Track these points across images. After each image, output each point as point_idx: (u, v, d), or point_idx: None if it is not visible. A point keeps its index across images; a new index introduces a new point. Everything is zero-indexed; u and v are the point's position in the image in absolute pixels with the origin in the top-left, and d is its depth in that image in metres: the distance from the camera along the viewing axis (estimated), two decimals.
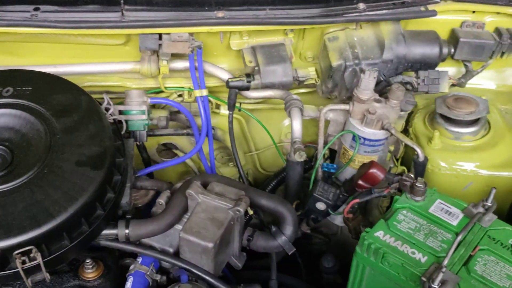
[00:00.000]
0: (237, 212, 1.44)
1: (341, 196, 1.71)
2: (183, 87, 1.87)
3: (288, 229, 1.55)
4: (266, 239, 1.56)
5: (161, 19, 1.67)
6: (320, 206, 1.72)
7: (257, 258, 1.84)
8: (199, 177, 1.56)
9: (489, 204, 1.55)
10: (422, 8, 1.81)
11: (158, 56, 1.77)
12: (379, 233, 1.51)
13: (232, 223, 1.46)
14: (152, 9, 1.69)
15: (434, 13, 1.79)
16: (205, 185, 1.53)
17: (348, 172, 1.83)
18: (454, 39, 1.92)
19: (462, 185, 1.82)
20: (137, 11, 1.68)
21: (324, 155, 2.00)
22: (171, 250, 1.50)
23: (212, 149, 1.92)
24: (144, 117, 1.71)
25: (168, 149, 2.11)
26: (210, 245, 1.39)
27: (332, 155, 1.99)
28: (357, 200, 1.61)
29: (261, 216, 1.88)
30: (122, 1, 1.66)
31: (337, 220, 2.00)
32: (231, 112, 1.84)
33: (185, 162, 2.06)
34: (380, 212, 2.03)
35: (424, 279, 1.40)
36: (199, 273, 1.43)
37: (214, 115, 1.99)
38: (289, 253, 1.56)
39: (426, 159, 1.76)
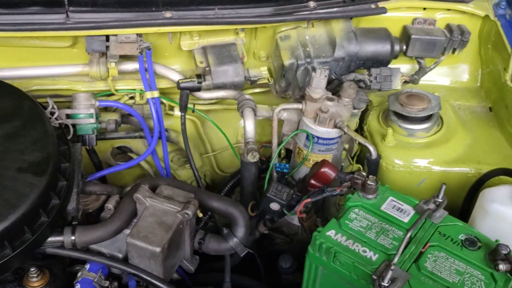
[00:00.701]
0: (186, 215, 1.42)
1: (294, 196, 1.70)
2: (134, 89, 1.84)
3: (240, 231, 1.53)
4: (218, 241, 1.55)
5: (107, 20, 1.64)
6: (274, 206, 1.70)
7: (218, 260, 1.83)
8: (147, 180, 1.53)
9: (440, 200, 1.55)
10: (373, 6, 1.81)
11: (106, 58, 1.74)
12: (331, 232, 1.50)
13: (181, 226, 1.44)
14: (98, 10, 1.66)
15: (384, 10, 1.79)
16: (154, 189, 1.50)
17: (303, 172, 1.82)
18: (406, 36, 1.92)
19: (416, 182, 1.83)
20: (82, 13, 1.64)
21: (280, 155, 2.00)
22: (120, 255, 1.47)
23: (166, 152, 1.89)
24: (93, 120, 1.68)
25: (123, 153, 2.08)
26: (158, 249, 1.36)
27: (289, 154, 1.98)
28: (309, 200, 1.60)
29: (216, 219, 1.86)
30: (66, 2, 1.63)
31: (295, 220, 1.99)
32: (183, 114, 1.82)
33: (141, 165, 2.04)
34: (338, 210, 2.02)
35: (374, 277, 1.39)
36: (148, 278, 1.40)
37: (168, 117, 1.96)
38: (241, 255, 1.54)
39: (379, 156, 1.76)
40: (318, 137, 1.76)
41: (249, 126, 1.78)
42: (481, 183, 1.73)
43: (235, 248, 1.53)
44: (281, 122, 1.88)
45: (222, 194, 1.99)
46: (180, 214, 1.43)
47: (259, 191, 1.90)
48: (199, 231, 1.55)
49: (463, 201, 1.80)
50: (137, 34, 1.69)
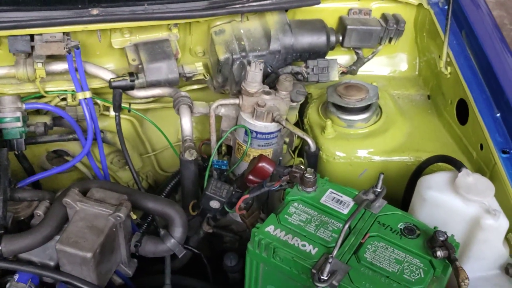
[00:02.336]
0: (118, 218, 1.37)
1: (234, 192, 1.66)
2: (65, 90, 1.78)
3: (177, 231, 1.49)
4: (155, 243, 1.50)
5: (31, 19, 1.58)
6: (214, 204, 1.67)
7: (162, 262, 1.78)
8: (78, 184, 1.47)
9: (379, 190, 1.54)
10: None
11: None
12: (270, 228, 1.47)
13: (114, 229, 1.39)
14: (21, 8, 1.59)
15: (317, 1, 1.77)
16: (85, 192, 1.45)
17: (243, 168, 1.79)
18: (342, 27, 1.91)
19: (357, 173, 1.82)
20: (3, 12, 1.57)
21: (221, 151, 1.97)
22: (51, 263, 1.41)
23: (102, 154, 1.83)
24: (20, 124, 1.61)
25: (59, 157, 2.01)
26: (89, 255, 1.31)
27: (230, 151, 1.95)
28: (247, 196, 1.57)
29: (157, 220, 1.81)
30: None
31: (239, 217, 1.96)
32: (117, 114, 1.77)
33: (78, 169, 1.97)
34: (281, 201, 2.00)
35: (314, 271, 1.37)
36: (81, 286, 1.35)
37: (103, 117, 1.90)
38: (179, 256, 1.50)
39: (317, 149, 1.75)
40: (256, 132, 1.74)
41: (186, 123, 1.74)
42: (420, 171, 1.73)
43: (172, 249, 1.48)
44: (219, 118, 1.84)
45: (164, 194, 1.95)
46: (112, 217, 1.37)
47: (201, 189, 1.86)
48: (135, 234, 1.51)
49: (404, 190, 1.80)
50: (63, 32, 1.62)
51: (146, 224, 1.88)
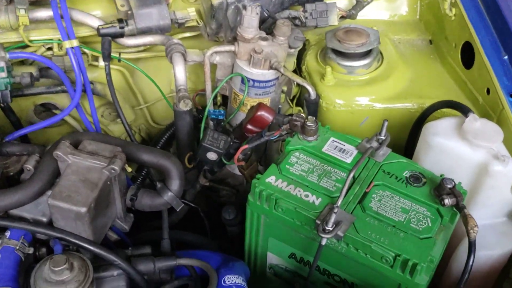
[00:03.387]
0: (112, 171, 1.31)
1: (232, 143, 1.60)
2: (51, 39, 1.69)
3: (174, 184, 1.43)
4: (152, 197, 1.44)
5: None
6: (211, 156, 1.61)
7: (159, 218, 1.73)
8: (68, 136, 1.40)
9: (383, 138, 1.48)
10: None
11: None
12: (271, 179, 1.42)
13: (108, 183, 1.32)
14: None
15: None
16: (76, 145, 1.38)
17: (240, 118, 1.72)
18: None
19: (358, 121, 1.76)
20: None
21: (216, 102, 1.89)
22: (44, 219, 1.35)
23: (92, 106, 1.75)
24: (4, 75, 1.52)
25: (48, 110, 1.93)
26: (83, 209, 1.25)
27: (225, 101, 1.88)
28: (246, 146, 1.50)
29: (151, 173, 1.75)
30: None
31: (236, 169, 1.91)
32: (107, 63, 1.68)
33: (68, 122, 1.90)
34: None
35: (318, 222, 1.32)
36: (77, 241, 1.29)
37: (92, 68, 1.82)
38: (177, 209, 1.44)
39: (318, 97, 1.68)
40: (253, 80, 1.66)
41: (179, 72, 1.66)
42: (424, 117, 1.67)
43: (170, 202, 1.43)
44: (214, 67, 1.76)
45: (158, 147, 1.88)
46: (106, 170, 1.31)
47: (197, 141, 1.79)
48: (131, 187, 1.44)
49: (408, 137, 1.74)
50: None
51: (141, 178, 1.82)
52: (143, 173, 1.82)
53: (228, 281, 1.32)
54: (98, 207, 1.30)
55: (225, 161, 1.64)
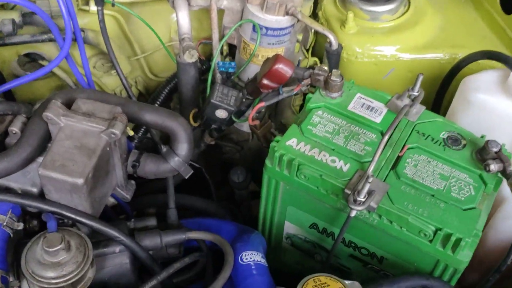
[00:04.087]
0: (112, 135, 1.13)
1: (244, 100, 1.42)
2: None
3: (182, 148, 1.26)
4: (156, 162, 1.27)
5: None
6: (221, 114, 1.43)
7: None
8: (60, 94, 1.21)
9: (416, 94, 1.31)
10: None
11: None
12: (292, 141, 1.25)
13: (108, 149, 1.15)
14: None
15: None
16: (69, 104, 1.19)
17: (251, 70, 1.54)
18: None
19: (382, 73, 1.58)
20: None
21: (223, 52, 1.70)
22: (35, 190, 1.18)
23: (84, 56, 1.55)
24: None
25: (34, 61, 1.72)
26: (80, 181, 1.08)
27: (233, 51, 1.69)
28: (262, 104, 1.33)
29: (153, 134, 1.58)
30: None
31: (245, 126, 1.74)
32: (100, 8, 1.47)
33: (57, 75, 1.70)
34: (294, 112, 1.77)
35: (347, 191, 1.16)
36: (73, 216, 1.13)
37: (83, 13, 1.61)
38: (186, 177, 1.28)
39: (340, 46, 1.50)
40: (266, 28, 1.47)
41: (183, 18, 1.46)
42: (457, 70, 1.50)
43: (177, 169, 1.26)
44: (221, 12, 1.56)
45: (158, 103, 1.70)
46: (105, 134, 1.13)
47: (201, 96, 1.62)
48: (132, 152, 1.27)
49: (436, 93, 1.57)
50: None
51: (137, 139, 1.65)
52: (145, 135, 1.65)
53: (246, 259, 1.17)
54: (96, 176, 1.13)
55: (235, 119, 1.47)
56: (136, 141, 1.61)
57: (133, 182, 1.31)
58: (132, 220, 1.27)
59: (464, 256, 1.14)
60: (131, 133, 1.18)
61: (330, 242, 1.33)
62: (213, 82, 1.50)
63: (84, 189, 1.10)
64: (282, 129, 1.76)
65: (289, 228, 1.38)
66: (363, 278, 1.34)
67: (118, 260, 1.20)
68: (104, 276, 1.19)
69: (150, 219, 1.29)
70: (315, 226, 1.32)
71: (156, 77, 1.84)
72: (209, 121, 1.48)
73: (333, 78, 1.29)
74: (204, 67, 1.70)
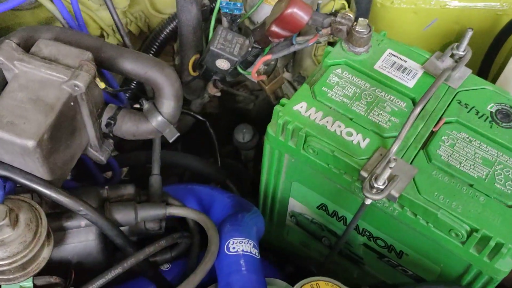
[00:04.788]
0: (76, 88, 0.91)
1: (251, 49, 1.18)
2: None
3: (167, 105, 1.03)
4: (136, 121, 1.05)
5: None
6: (222, 64, 1.20)
7: None
8: (19, 31, 0.99)
9: (461, 53, 1.05)
10: None
11: None
12: (301, 106, 1.01)
13: (72, 104, 0.93)
14: None
15: None
16: (29, 45, 0.97)
17: (264, 13, 1.29)
18: None
19: (422, 24, 1.31)
20: None
21: None
22: None
23: None
24: None
25: None
26: (31, 143, 0.87)
27: None
28: (269, 57, 1.09)
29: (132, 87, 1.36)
30: None
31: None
32: None
33: (44, 5, 1.47)
34: (315, 62, 1.52)
35: (364, 173, 0.93)
36: (25, 182, 0.93)
37: None
38: (170, 140, 1.06)
39: None
40: None
41: None
42: None
43: (160, 130, 1.04)
44: None
45: (157, 43, 1.47)
46: (66, 86, 0.92)
47: (206, 39, 1.38)
48: (109, 106, 1.05)
49: (486, 53, 1.30)
50: None
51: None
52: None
53: (234, 248, 0.96)
54: (56, 137, 0.92)
55: (241, 71, 1.23)
56: (129, 93, 1.39)
57: (110, 141, 1.10)
58: (106, 187, 1.07)
59: (504, 265, 0.91)
60: (102, 85, 0.96)
61: (340, 226, 1.11)
62: (217, 26, 1.26)
63: (37, 153, 0.89)
64: (301, 81, 1.52)
65: (294, 206, 1.17)
66: (376, 270, 1.14)
67: (83, 236, 1.01)
68: (66, 254, 1.01)
69: (127, 187, 1.08)
70: (324, 208, 1.10)
71: (159, 13, 1.59)
72: (209, 72, 1.25)
73: (358, 28, 1.04)
74: (213, 5, 1.45)
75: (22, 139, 0.87)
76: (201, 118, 1.56)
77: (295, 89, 1.48)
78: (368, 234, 1.07)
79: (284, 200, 1.17)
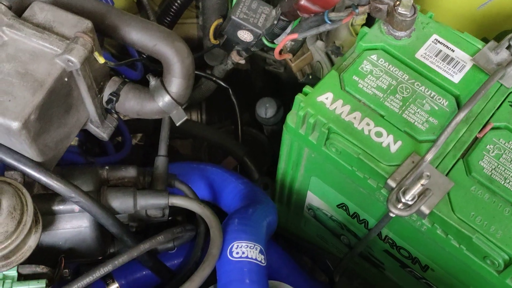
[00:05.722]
0: (70, 64, 0.80)
1: (277, 21, 1.04)
2: None
3: (175, 84, 0.91)
4: (141, 99, 0.94)
5: None
6: (244, 35, 1.07)
7: None
8: None
9: None
10: None
11: None
12: (326, 97, 0.88)
13: (66, 79, 0.83)
14: None
15: None
16: (24, 8, 0.86)
17: None
18: None
19: (476, 3, 1.15)
20: None
21: None
22: None
23: None
24: None
25: None
26: (15, 124, 0.77)
27: None
28: (294, 36, 0.95)
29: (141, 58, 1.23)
30: None
31: None
32: None
33: None
34: (352, 33, 1.37)
35: (391, 183, 0.81)
36: (10, 161, 0.83)
37: None
38: (177, 124, 0.94)
39: None
40: None
41: None
42: None
43: (167, 110, 0.93)
44: None
45: (174, 7, 1.33)
46: (60, 60, 0.81)
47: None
48: (112, 80, 0.94)
49: None
50: None
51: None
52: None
53: (237, 253, 0.86)
54: (46, 116, 0.82)
55: (266, 43, 1.10)
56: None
57: (114, 116, 0.99)
58: (106, 168, 0.97)
59: None
60: (102, 60, 0.84)
61: (361, 229, 1.00)
62: None
63: (23, 135, 0.79)
64: (336, 51, 1.37)
65: (312, 199, 1.06)
66: (398, 278, 1.03)
67: (76, 222, 0.92)
68: (58, 239, 0.92)
69: (128, 169, 0.98)
70: (344, 207, 0.99)
71: None
72: (230, 42, 1.12)
73: (401, 10, 0.89)
74: None
75: (6, 119, 0.78)
76: (224, 84, 1.44)
77: (331, 60, 1.34)
78: (391, 242, 0.96)
79: (302, 192, 1.06)
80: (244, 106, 1.48)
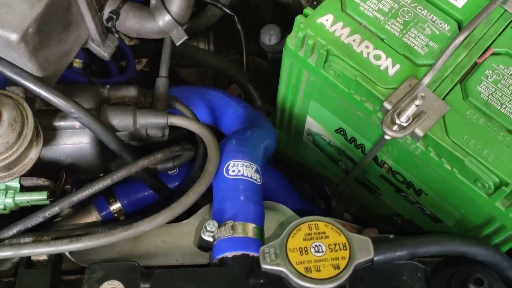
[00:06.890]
0: None
1: None
2: None
3: (176, 3, 0.91)
4: (141, 18, 0.94)
5: None
6: None
7: None
8: None
9: None
10: None
11: None
12: (326, 19, 0.88)
13: None
14: None
15: None
16: None
17: None
18: None
19: None
20: None
21: None
22: None
23: None
24: None
25: None
26: (14, 36, 0.78)
27: None
28: None
29: None
30: None
31: None
32: None
33: None
34: None
35: (387, 106, 0.82)
36: (12, 75, 0.84)
37: None
38: (177, 44, 0.94)
39: None
40: None
41: None
42: None
43: (167, 30, 0.93)
44: None
45: None
46: None
47: None
48: None
49: None
50: None
51: None
52: None
53: (233, 171, 0.87)
54: (45, 30, 0.82)
55: None
56: None
57: (116, 36, 0.99)
58: (107, 86, 0.98)
59: None
60: None
61: (358, 154, 1.01)
62: None
63: (22, 48, 0.80)
64: None
65: (312, 125, 1.06)
66: (392, 202, 1.05)
67: (77, 138, 0.94)
68: (59, 154, 0.94)
69: (129, 89, 0.99)
70: (342, 132, 1.00)
71: None
72: None
73: None
74: None
75: (4, 31, 0.78)
76: (229, 12, 1.42)
77: None
78: (387, 167, 0.97)
79: (301, 117, 1.06)
80: (252, 37, 1.47)
